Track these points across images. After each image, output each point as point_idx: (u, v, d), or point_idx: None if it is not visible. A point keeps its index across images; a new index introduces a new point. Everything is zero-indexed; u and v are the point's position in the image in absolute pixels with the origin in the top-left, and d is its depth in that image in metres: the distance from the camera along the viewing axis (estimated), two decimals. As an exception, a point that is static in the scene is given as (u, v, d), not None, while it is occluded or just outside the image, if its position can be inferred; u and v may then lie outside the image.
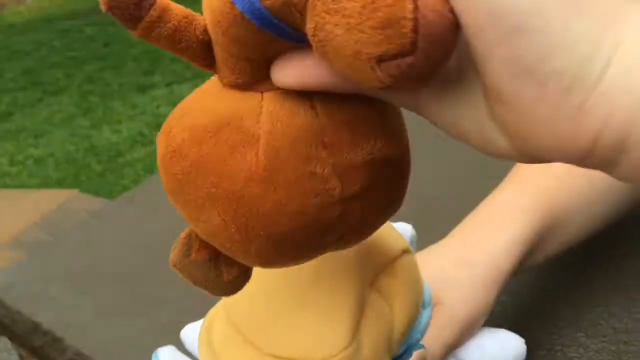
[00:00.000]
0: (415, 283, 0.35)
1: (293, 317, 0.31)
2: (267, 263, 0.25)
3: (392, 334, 0.33)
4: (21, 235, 0.99)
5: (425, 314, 0.36)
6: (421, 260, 0.44)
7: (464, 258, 0.44)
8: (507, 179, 0.50)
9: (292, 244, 0.24)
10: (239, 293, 0.32)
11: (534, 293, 0.55)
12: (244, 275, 0.27)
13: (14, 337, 0.77)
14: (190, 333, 0.40)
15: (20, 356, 1.76)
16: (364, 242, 0.28)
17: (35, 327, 0.70)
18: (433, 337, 0.41)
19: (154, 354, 0.36)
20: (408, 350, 0.35)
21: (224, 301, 0.34)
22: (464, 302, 0.43)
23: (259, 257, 0.24)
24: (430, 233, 0.49)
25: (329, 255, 0.27)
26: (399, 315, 0.33)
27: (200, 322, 0.36)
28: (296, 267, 0.27)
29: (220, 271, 0.26)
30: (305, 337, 0.31)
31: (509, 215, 0.46)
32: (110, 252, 0.79)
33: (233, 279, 0.27)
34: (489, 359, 0.43)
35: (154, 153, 0.89)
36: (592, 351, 0.48)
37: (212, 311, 0.36)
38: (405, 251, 0.34)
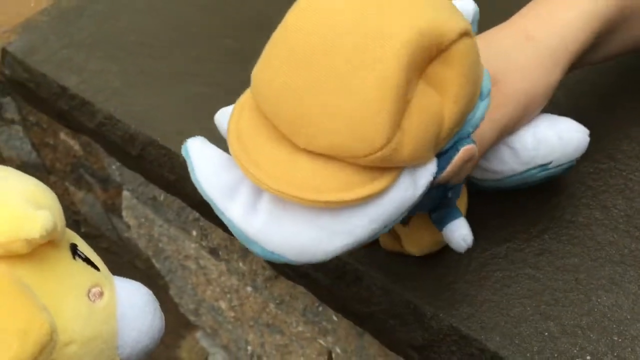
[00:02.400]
0: (474, 72, 0.31)
1: (330, 107, 0.27)
2: None
3: (440, 129, 0.30)
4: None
5: (481, 106, 0.32)
6: (481, 36, 0.41)
7: (529, 33, 0.40)
8: None
9: None
10: (269, 76, 0.29)
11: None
12: None
13: (37, 103, 0.76)
14: (224, 118, 0.36)
15: (33, 145, 1.79)
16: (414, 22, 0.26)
17: (62, 91, 0.68)
18: (485, 119, 0.37)
19: (183, 146, 0.33)
20: (454, 146, 0.32)
21: (254, 85, 0.30)
22: (522, 80, 0.39)
23: None
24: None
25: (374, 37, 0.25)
26: (449, 108, 0.30)
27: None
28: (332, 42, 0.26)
29: None
30: (342, 129, 0.27)
31: None
32: (139, 23, 0.75)
33: None
34: (544, 148, 0.40)
35: None
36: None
37: (242, 98, 0.32)
38: (465, 34, 0.29)
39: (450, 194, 0.36)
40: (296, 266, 0.49)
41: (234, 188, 0.31)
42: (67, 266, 0.39)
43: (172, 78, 0.65)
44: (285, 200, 0.29)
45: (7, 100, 1.53)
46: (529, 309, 0.40)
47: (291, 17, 0.29)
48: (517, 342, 0.38)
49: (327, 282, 0.47)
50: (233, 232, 0.31)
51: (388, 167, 0.29)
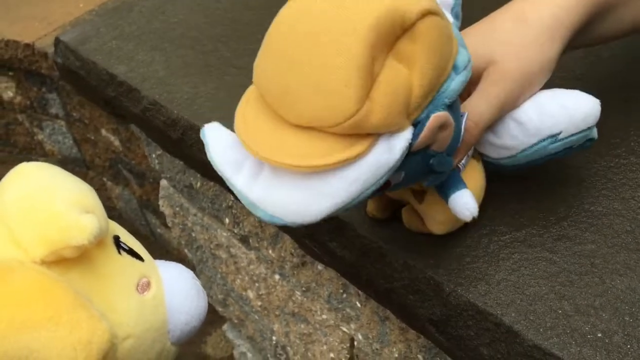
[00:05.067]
0: (440, 47, 0.34)
1: (306, 82, 0.32)
2: None
3: (409, 99, 0.33)
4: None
5: (456, 79, 0.35)
6: (485, 22, 0.44)
7: (525, 14, 0.42)
8: None
9: None
10: (263, 63, 0.34)
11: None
12: None
13: (86, 91, 0.80)
14: None
15: (75, 140, 1.84)
16: (375, 8, 0.31)
17: (111, 79, 0.73)
18: (481, 95, 0.41)
19: (201, 130, 0.39)
20: (428, 115, 0.35)
21: (254, 73, 0.35)
22: (517, 59, 0.41)
23: None
24: None
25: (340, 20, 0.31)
26: (417, 80, 0.33)
27: None
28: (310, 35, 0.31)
29: None
30: (317, 101, 0.32)
31: None
32: (186, 18, 0.79)
33: None
34: (548, 118, 0.41)
35: None
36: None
37: (249, 90, 0.37)
38: (430, 13, 0.33)
39: (432, 161, 0.37)
40: (323, 245, 0.52)
41: (240, 163, 0.36)
42: (114, 263, 0.41)
43: (215, 70, 0.69)
44: (279, 169, 0.33)
45: (52, 95, 1.60)
46: (544, 288, 0.41)
47: (280, 13, 0.34)
48: (531, 318, 0.40)
49: (353, 259, 0.49)
50: (240, 200, 0.36)
51: (364, 134, 0.32)
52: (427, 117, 0.34)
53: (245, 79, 0.67)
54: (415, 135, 0.34)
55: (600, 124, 0.42)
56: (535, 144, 0.42)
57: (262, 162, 0.35)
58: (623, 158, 0.48)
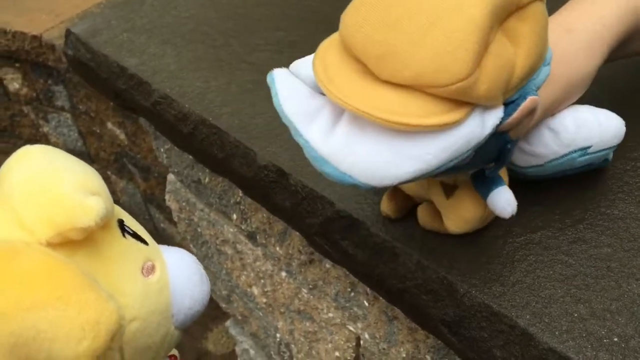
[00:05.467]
0: (544, 34, 0.34)
1: (418, 41, 0.30)
2: None
3: (511, 76, 0.33)
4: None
5: (544, 70, 0.36)
6: None
7: (569, 26, 0.43)
8: None
9: None
10: (358, 16, 0.32)
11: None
12: None
13: (96, 83, 0.80)
14: (301, 67, 0.38)
15: (80, 132, 1.84)
16: None
17: (121, 71, 0.72)
18: None
19: (269, 74, 0.36)
20: (521, 97, 0.35)
21: (343, 25, 0.33)
22: (564, 66, 0.42)
23: None
24: None
25: None
26: (521, 60, 0.33)
27: (310, 58, 0.36)
28: None
29: None
30: (428, 60, 0.30)
31: None
32: (198, 13, 0.79)
33: None
34: (585, 131, 0.42)
35: None
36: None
37: (327, 42, 0.35)
38: None
39: (509, 146, 0.37)
40: (335, 243, 0.51)
41: (314, 114, 0.33)
42: (119, 246, 0.41)
43: (226, 65, 0.69)
44: (363, 122, 0.31)
45: (59, 88, 1.60)
46: (559, 291, 0.41)
47: None
48: (546, 320, 0.40)
49: (365, 258, 0.49)
50: (307, 154, 0.33)
51: (463, 102, 0.31)
52: (518, 99, 0.34)
53: (257, 75, 0.68)
54: (506, 114, 0.34)
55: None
56: (566, 155, 0.42)
57: (339, 114, 0.33)
58: (639, 161, 0.48)
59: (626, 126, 0.44)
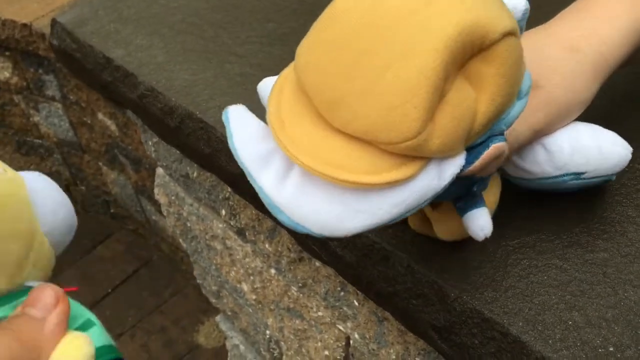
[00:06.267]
0: (514, 73, 0.30)
1: (366, 92, 0.28)
2: None
3: (472, 125, 0.30)
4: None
5: (517, 105, 0.33)
6: (525, 40, 0.41)
7: (571, 43, 0.41)
8: None
9: None
10: (312, 56, 0.30)
11: None
12: None
13: (82, 74, 0.78)
14: (267, 88, 0.36)
15: (71, 123, 1.82)
16: (460, 17, 0.26)
17: (107, 63, 0.70)
18: (522, 119, 0.38)
19: (224, 111, 0.34)
20: (485, 142, 0.32)
21: (297, 63, 0.31)
22: (564, 88, 0.40)
23: None
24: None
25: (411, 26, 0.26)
26: (484, 106, 0.30)
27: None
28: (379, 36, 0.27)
29: None
30: (375, 115, 0.28)
31: (626, 2, 0.42)
32: (186, 3, 0.77)
33: None
34: (580, 157, 0.39)
35: None
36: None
37: (286, 71, 0.33)
38: (509, 34, 0.29)
39: (475, 188, 0.36)
40: (323, 244, 0.50)
41: (267, 158, 0.31)
42: None
43: (215, 57, 0.67)
44: (314, 176, 0.30)
45: (49, 77, 1.57)
46: (554, 297, 0.40)
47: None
48: (540, 328, 0.38)
49: (354, 260, 0.47)
50: (263, 200, 0.32)
51: (417, 156, 0.29)
52: (484, 143, 0.32)
53: (247, 68, 0.66)
54: (467, 162, 0.31)
55: (614, 129, 0.41)
56: (556, 177, 0.40)
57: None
58: (638, 163, 0.46)
59: (625, 126, 0.43)
